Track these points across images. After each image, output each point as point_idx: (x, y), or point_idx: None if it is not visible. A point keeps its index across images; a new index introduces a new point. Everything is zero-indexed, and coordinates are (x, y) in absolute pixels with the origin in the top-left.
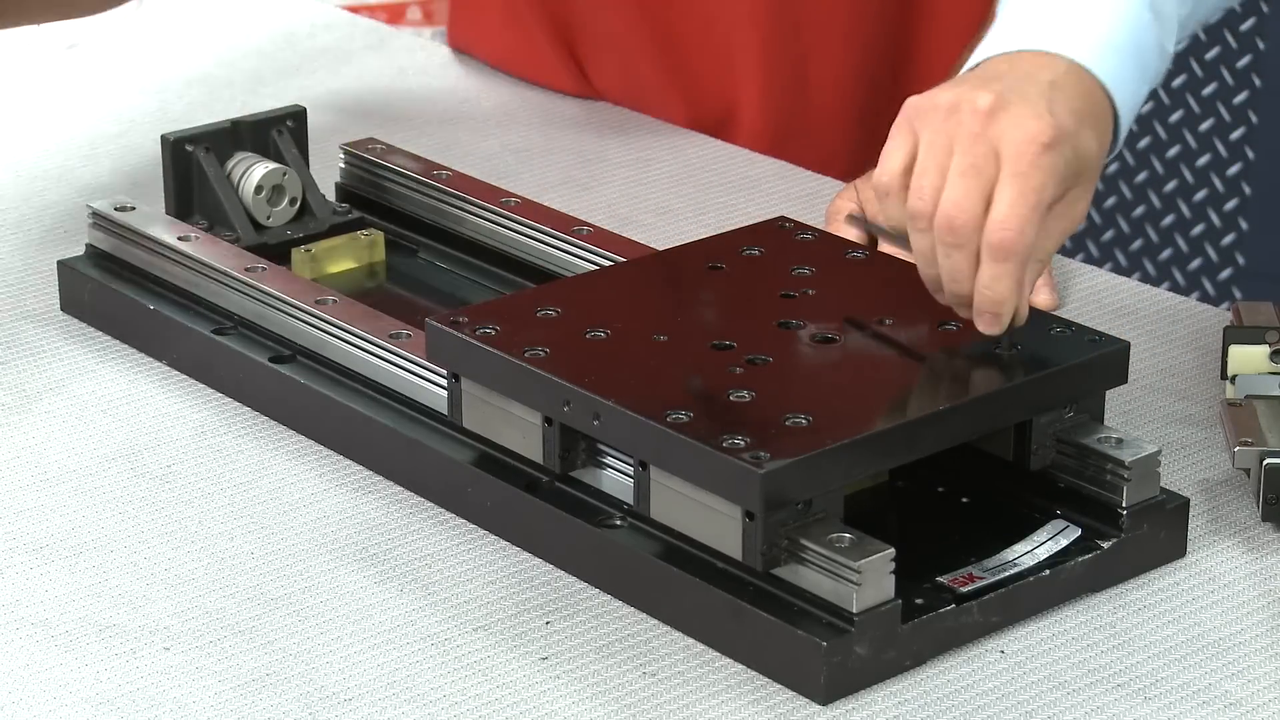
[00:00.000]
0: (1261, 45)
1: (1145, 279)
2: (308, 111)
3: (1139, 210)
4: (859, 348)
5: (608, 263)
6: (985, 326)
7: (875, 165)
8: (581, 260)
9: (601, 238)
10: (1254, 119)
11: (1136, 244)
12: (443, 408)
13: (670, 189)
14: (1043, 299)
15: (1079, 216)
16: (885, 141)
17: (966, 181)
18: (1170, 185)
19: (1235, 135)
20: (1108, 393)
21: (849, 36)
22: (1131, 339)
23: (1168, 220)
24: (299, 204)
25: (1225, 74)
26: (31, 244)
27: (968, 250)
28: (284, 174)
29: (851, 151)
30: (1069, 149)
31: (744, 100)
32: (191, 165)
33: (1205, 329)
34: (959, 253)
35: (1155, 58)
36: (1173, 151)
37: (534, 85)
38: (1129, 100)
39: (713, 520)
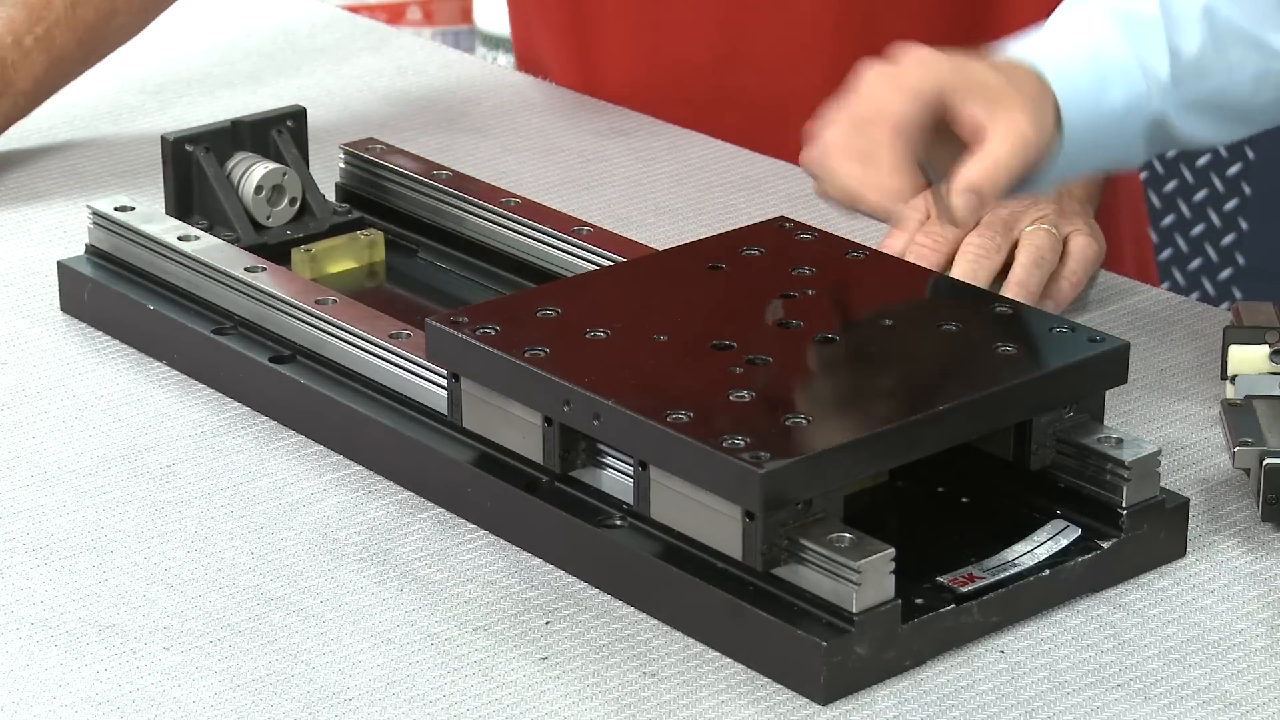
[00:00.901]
0: None
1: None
2: (308, 111)
3: None
4: (859, 348)
5: (608, 263)
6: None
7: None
8: (581, 260)
9: (601, 238)
10: None
11: None
12: (443, 408)
13: (670, 189)
14: (1047, 305)
15: (1020, 127)
16: None
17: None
18: (1170, 185)
19: None
20: (1108, 393)
21: (923, 20)
22: (1131, 339)
23: (1168, 220)
24: (299, 204)
25: None
26: (31, 244)
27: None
28: (284, 174)
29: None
30: (944, 59)
31: (808, 85)
32: (191, 165)
33: (1205, 329)
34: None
35: (1126, 66)
36: (1173, 151)
37: (534, 86)
38: (1073, 90)
39: (713, 520)
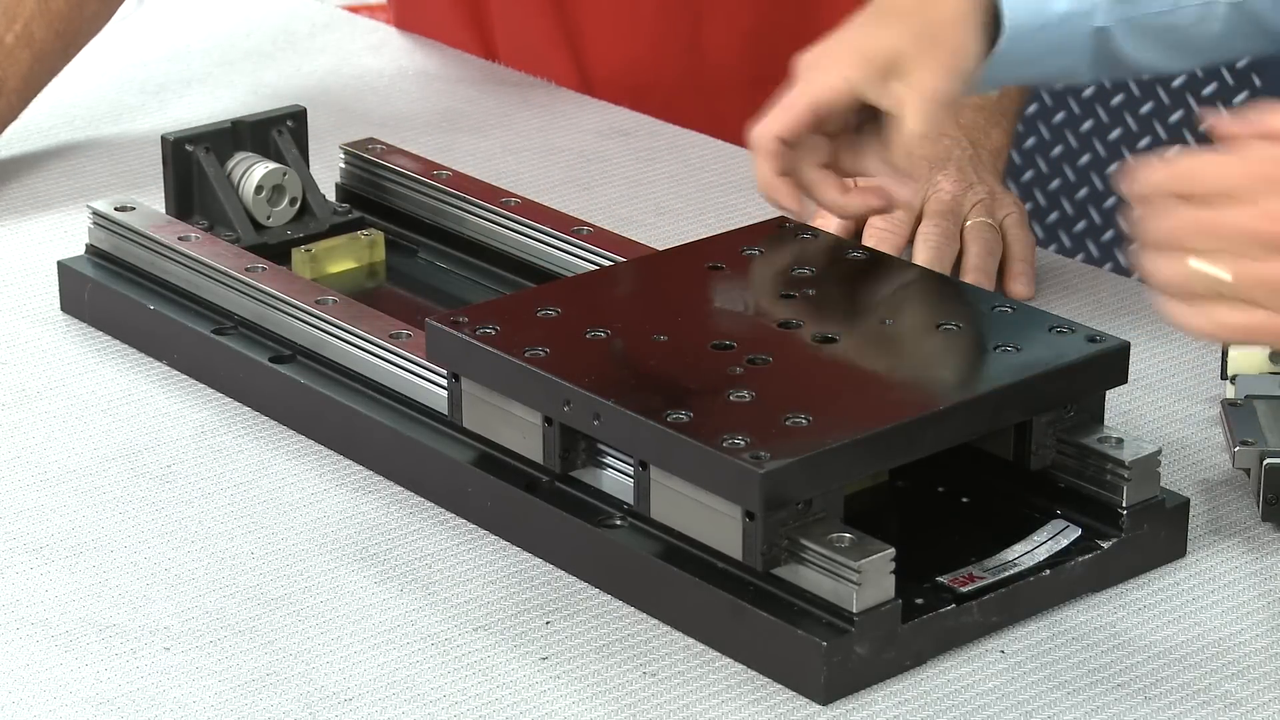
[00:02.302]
0: None
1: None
2: (308, 111)
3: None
4: (859, 348)
5: (608, 263)
6: None
7: None
8: (581, 260)
9: (601, 238)
10: None
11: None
12: (443, 408)
13: (670, 189)
14: (1018, 289)
15: (922, 90)
16: None
17: None
18: None
19: None
20: (1108, 393)
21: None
22: (1131, 339)
23: None
24: (299, 204)
25: (1225, 74)
26: (31, 244)
27: None
28: (284, 174)
29: (746, 115)
30: (851, 54)
31: (637, 59)
32: (191, 165)
33: None
34: None
35: None
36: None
37: (534, 86)
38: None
39: (713, 520)
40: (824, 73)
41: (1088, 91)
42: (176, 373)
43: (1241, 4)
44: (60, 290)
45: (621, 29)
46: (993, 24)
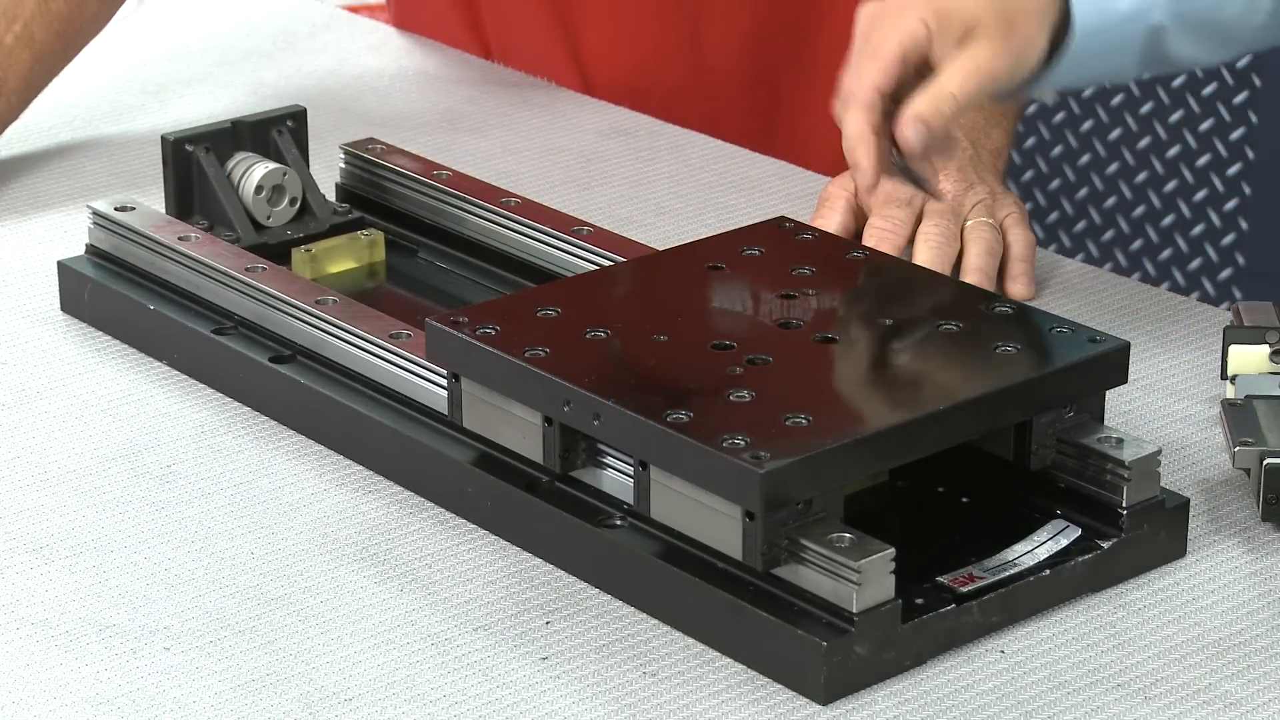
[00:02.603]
0: None
1: (1145, 279)
2: (308, 111)
3: (1139, 210)
4: (859, 348)
5: (608, 263)
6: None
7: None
8: (581, 260)
9: (601, 238)
10: (1254, 119)
11: (1136, 244)
12: (443, 408)
13: (670, 189)
14: (1018, 289)
15: (976, 59)
16: (784, 105)
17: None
18: (1170, 185)
19: (1235, 135)
20: (1108, 393)
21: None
22: (1131, 339)
23: (1168, 220)
24: (299, 204)
25: (1225, 74)
26: (31, 244)
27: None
28: (284, 174)
29: (748, 114)
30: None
31: (636, 62)
32: (191, 165)
33: (1205, 329)
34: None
35: None
36: (1173, 151)
37: (534, 86)
38: None
39: (713, 520)
40: (902, 18)
41: (1088, 91)
42: (176, 373)
43: None
44: (60, 290)
45: (621, 33)
46: (1060, 25)
